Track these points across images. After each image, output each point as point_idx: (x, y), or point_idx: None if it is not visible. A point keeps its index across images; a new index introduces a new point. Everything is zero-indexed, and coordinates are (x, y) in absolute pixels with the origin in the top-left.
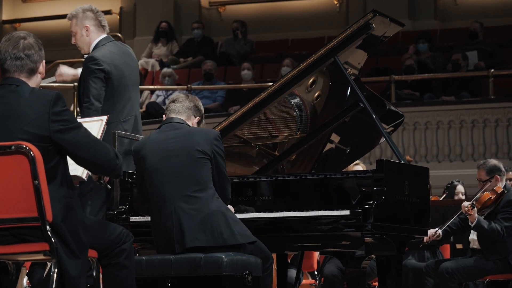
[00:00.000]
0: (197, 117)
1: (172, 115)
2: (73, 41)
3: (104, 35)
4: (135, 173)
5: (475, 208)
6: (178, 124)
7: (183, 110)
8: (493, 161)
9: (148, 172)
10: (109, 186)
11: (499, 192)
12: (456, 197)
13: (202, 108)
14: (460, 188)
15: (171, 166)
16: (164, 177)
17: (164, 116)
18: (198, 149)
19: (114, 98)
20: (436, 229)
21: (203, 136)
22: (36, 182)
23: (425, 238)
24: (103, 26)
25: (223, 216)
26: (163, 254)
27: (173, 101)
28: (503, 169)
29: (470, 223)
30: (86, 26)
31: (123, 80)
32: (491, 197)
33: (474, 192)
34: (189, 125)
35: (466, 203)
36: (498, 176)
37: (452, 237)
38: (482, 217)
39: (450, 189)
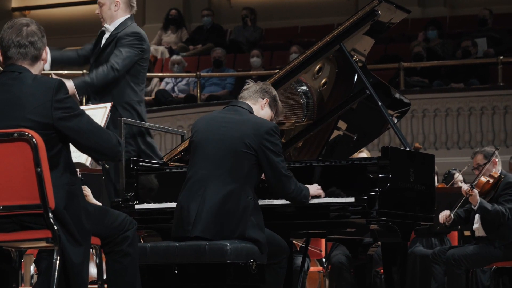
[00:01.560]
0: (266, 99)
1: (240, 101)
2: (97, 11)
3: (129, 15)
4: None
5: (475, 190)
6: (240, 109)
7: (249, 95)
8: (489, 147)
9: (194, 146)
10: (107, 166)
11: (496, 177)
12: (455, 186)
13: (272, 90)
14: (458, 176)
15: (214, 149)
16: (205, 157)
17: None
18: (244, 142)
19: (141, 78)
20: (448, 211)
21: (254, 128)
22: (39, 169)
23: (441, 219)
24: (131, 6)
25: (243, 216)
26: (168, 242)
27: (243, 90)
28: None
29: (473, 206)
30: (117, 1)
31: (148, 63)
32: (489, 181)
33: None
34: (251, 112)
35: (465, 186)
36: (496, 159)
37: (459, 225)
38: None
39: (448, 178)
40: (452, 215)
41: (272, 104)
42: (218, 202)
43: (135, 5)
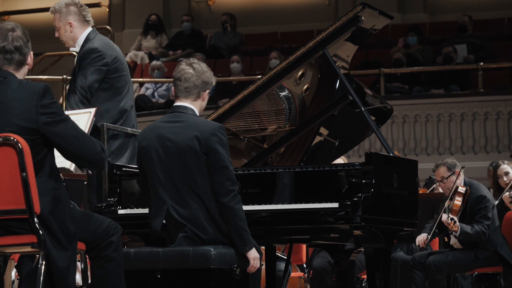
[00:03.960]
0: (207, 90)
1: (178, 102)
2: (56, 35)
3: (90, 29)
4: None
5: (457, 222)
6: (182, 115)
7: (190, 92)
8: (449, 159)
9: (148, 164)
10: (89, 172)
11: (463, 192)
12: (436, 191)
13: (210, 77)
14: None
15: (167, 164)
16: (160, 173)
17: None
18: (192, 148)
19: (117, 89)
20: (425, 235)
21: (200, 131)
22: (24, 174)
23: (420, 243)
24: (87, 21)
25: (212, 220)
26: (152, 247)
27: (179, 79)
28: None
29: (454, 234)
30: (69, 23)
31: (123, 71)
32: (461, 201)
33: None
34: (194, 114)
35: (445, 218)
36: (458, 170)
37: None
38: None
39: (429, 183)
40: (428, 237)
41: (210, 92)
42: (180, 216)
43: (90, 18)
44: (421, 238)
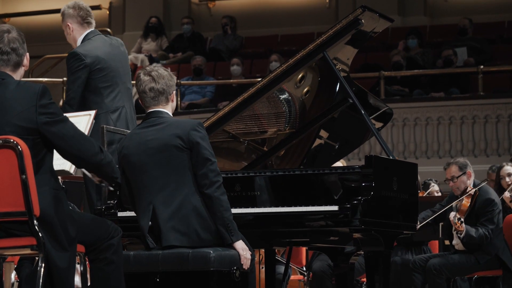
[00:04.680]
0: (173, 92)
1: (150, 109)
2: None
3: (89, 30)
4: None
5: (463, 223)
6: (158, 119)
7: (158, 100)
8: (461, 158)
9: (131, 170)
10: (111, 188)
11: (473, 193)
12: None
13: (170, 79)
14: (434, 187)
15: (150, 166)
16: (144, 176)
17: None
18: (175, 145)
19: (101, 89)
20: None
21: (181, 129)
22: (24, 176)
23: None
24: (87, 22)
25: (199, 215)
26: (151, 249)
27: (144, 92)
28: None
29: (459, 236)
30: (68, 25)
31: (109, 72)
32: (469, 202)
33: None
34: (168, 115)
35: (453, 217)
36: (470, 171)
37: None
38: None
39: (424, 188)
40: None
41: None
42: (168, 212)
43: (90, 20)
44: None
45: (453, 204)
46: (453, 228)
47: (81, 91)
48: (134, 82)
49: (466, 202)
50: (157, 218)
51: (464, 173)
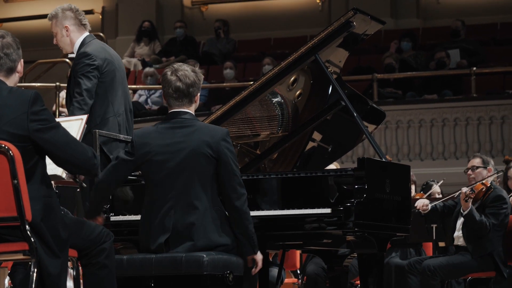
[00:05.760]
0: (198, 94)
1: (174, 108)
2: (54, 41)
3: (87, 33)
4: (125, 156)
5: (470, 202)
6: (185, 120)
7: (186, 100)
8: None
9: (151, 168)
10: (84, 185)
11: (488, 186)
12: (432, 197)
13: (199, 81)
14: (436, 188)
15: (175, 167)
16: (167, 177)
17: (164, 100)
18: (203, 152)
19: (108, 92)
20: (427, 200)
21: (211, 137)
22: (15, 181)
23: (418, 205)
24: (84, 25)
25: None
26: (144, 254)
27: (168, 92)
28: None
29: (462, 211)
30: (66, 26)
31: (116, 74)
32: (483, 189)
33: (453, 191)
34: (193, 117)
35: (465, 189)
36: (491, 168)
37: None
38: None
39: (426, 189)
40: (429, 206)
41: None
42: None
43: (86, 22)
44: (421, 201)
45: (463, 189)
46: (461, 208)
47: (95, 86)
48: (160, 81)
49: (480, 185)
50: (172, 222)
51: (485, 168)
